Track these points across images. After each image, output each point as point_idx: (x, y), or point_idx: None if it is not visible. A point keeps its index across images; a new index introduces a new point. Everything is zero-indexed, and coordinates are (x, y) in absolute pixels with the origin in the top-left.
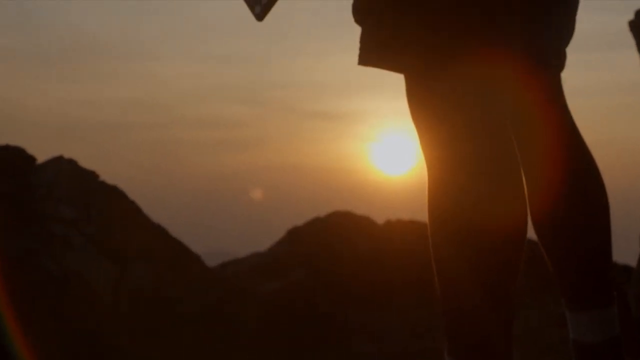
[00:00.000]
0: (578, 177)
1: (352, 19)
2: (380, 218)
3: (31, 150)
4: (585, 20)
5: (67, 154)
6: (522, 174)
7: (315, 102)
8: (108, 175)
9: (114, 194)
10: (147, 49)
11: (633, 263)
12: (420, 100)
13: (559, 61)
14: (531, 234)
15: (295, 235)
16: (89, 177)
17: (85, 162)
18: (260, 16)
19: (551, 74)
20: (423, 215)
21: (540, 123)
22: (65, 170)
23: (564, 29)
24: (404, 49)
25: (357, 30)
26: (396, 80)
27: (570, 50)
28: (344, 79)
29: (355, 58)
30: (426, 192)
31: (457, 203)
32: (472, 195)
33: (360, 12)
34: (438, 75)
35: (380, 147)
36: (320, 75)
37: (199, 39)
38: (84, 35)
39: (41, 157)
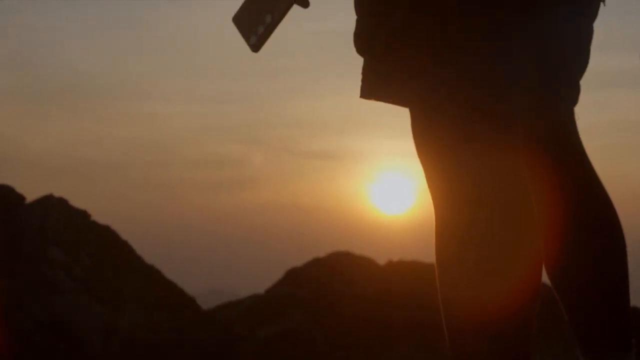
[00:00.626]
0: (593, 219)
1: (350, 58)
2: (381, 258)
3: (26, 188)
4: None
5: (62, 193)
6: (536, 215)
7: (313, 142)
8: (104, 214)
9: (106, 235)
10: (145, 88)
11: None
12: (427, 135)
13: (573, 95)
14: (543, 277)
15: (293, 277)
16: (80, 216)
17: (80, 201)
18: (256, 47)
19: (564, 109)
20: (425, 255)
21: (553, 162)
22: (55, 209)
23: (578, 62)
24: (410, 80)
25: (356, 67)
26: (395, 119)
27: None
28: (342, 118)
29: (354, 97)
30: (432, 231)
31: (465, 245)
32: (481, 237)
33: (363, 41)
34: (446, 108)
35: (378, 186)
36: (318, 115)
37: (197, 79)
38: (83, 75)
39: (36, 196)
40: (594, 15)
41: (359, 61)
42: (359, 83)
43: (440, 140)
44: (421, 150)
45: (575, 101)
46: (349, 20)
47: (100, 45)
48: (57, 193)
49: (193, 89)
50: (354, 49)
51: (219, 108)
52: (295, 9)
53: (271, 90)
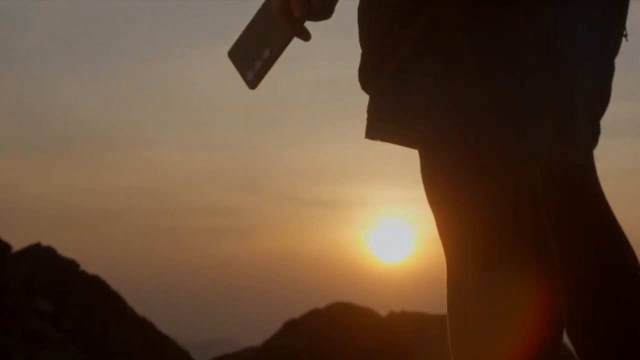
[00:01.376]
0: (615, 266)
1: (348, 107)
2: (382, 309)
3: (19, 236)
4: None
5: (56, 241)
6: (557, 265)
7: (312, 190)
8: (99, 263)
9: (95, 285)
10: (145, 136)
11: None
12: (436, 179)
13: (593, 136)
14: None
15: (292, 328)
16: (68, 266)
17: (74, 250)
18: (253, 83)
19: (583, 151)
20: (425, 305)
21: (571, 209)
22: (42, 259)
23: (600, 101)
24: (418, 120)
25: (354, 116)
26: (392, 167)
27: None
28: (340, 166)
29: (351, 146)
30: (431, 279)
31: (479, 300)
32: (496, 291)
33: (368, 77)
34: (457, 149)
35: (377, 235)
36: (317, 163)
37: (197, 127)
38: (82, 123)
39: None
40: (615, 50)
41: (357, 110)
42: (357, 132)
43: (451, 185)
44: (431, 195)
45: (595, 143)
46: (345, 68)
47: (100, 93)
48: (50, 241)
49: (193, 137)
50: (351, 98)
51: (219, 156)
52: (295, 49)
53: (270, 138)
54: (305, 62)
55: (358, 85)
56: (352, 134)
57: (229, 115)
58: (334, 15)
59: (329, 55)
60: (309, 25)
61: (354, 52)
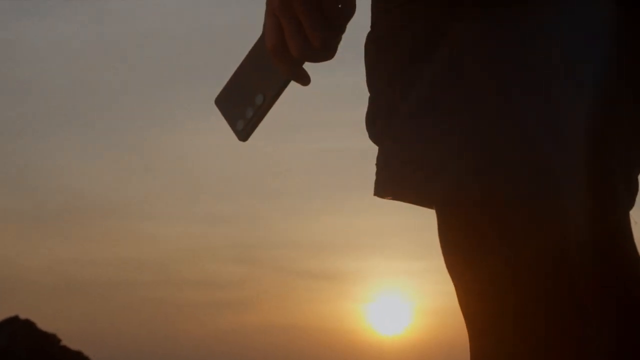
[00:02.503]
0: None
1: (347, 179)
2: None
3: (14, 309)
4: None
5: (48, 312)
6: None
7: (310, 262)
8: (92, 337)
9: None
10: (142, 208)
11: None
12: (457, 243)
13: (631, 194)
14: None
15: None
16: (49, 340)
17: (67, 322)
18: (243, 134)
19: (620, 213)
20: None
21: (604, 275)
22: (21, 332)
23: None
24: (435, 175)
25: (353, 188)
26: (390, 240)
27: None
28: (338, 238)
29: (349, 218)
30: (430, 351)
31: None
32: None
33: (377, 124)
34: (481, 209)
35: (375, 307)
36: (314, 235)
37: (193, 198)
38: (79, 195)
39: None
40: None
41: (354, 181)
42: (354, 204)
43: (474, 250)
44: (450, 261)
45: (632, 203)
46: (345, 139)
47: (98, 165)
48: (46, 313)
49: (190, 209)
50: (351, 169)
51: (216, 228)
52: (293, 120)
53: (268, 210)
54: (303, 132)
55: (356, 156)
56: (350, 207)
57: (227, 187)
58: (333, 95)
59: (328, 126)
60: (307, 67)
61: (352, 124)
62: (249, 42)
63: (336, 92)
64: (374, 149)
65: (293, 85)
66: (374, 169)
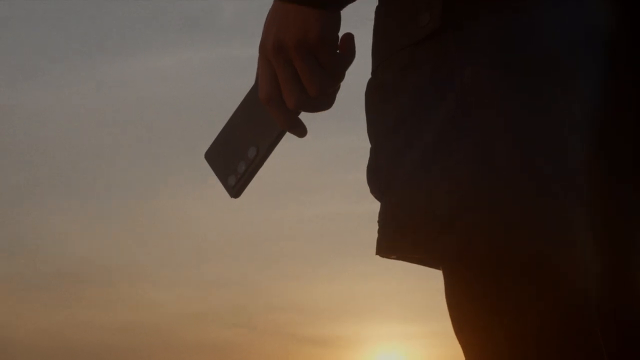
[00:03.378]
0: None
1: (347, 245)
2: None
3: None
4: None
5: None
6: None
7: (308, 327)
8: None
9: None
10: (140, 273)
11: None
12: (466, 307)
13: None
14: None
15: None
16: None
17: None
18: (235, 190)
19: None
20: None
21: (620, 339)
22: None
23: None
24: (442, 234)
25: (353, 254)
26: (389, 305)
27: None
28: (338, 304)
29: (349, 284)
30: None
31: None
32: None
33: (380, 177)
34: (493, 269)
35: None
36: (314, 300)
37: (192, 263)
38: (77, 260)
39: None
40: None
41: (352, 247)
42: (350, 270)
43: (486, 313)
44: (459, 324)
45: None
46: (344, 204)
47: (96, 230)
48: None
49: (191, 274)
50: (351, 234)
51: (214, 293)
52: (291, 186)
53: (268, 275)
54: (301, 196)
55: (354, 222)
56: (350, 273)
57: (226, 252)
58: (332, 157)
59: (329, 192)
60: (304, 118)
61: (350, 188)
62: None
63: (335, 154)
64: (372, 212)
65: (292, 148)
66: (373, 233)
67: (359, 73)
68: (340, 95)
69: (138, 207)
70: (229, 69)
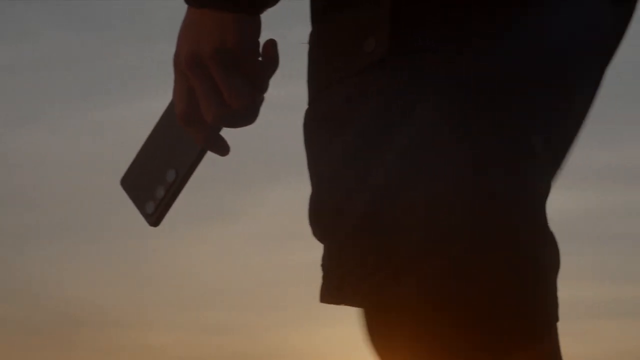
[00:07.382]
0: None
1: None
2: None
3: None
4: None
5: None
6: None
7: None
8: None
9: None
10: (138, 318)
11: None
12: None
13: None
14: None
15: None
16: None
17: None
18: (154, 218)
19: None
20: None
21: None
22: None
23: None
24: (400, 274)
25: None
26: None
27: None
28: (341, 347)
29: (348, 328)
30: None
31: None
32: None
33: (326, 216)
34: (460, 316)
35: None
36: (316, 345)
37: (191, 309)
38: (77, 303)
39: None
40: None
41: None
42: (345, 315)
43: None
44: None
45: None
46: None
47: (95, 274)
48: None
49: (189, 320)
50: None
51: (214, 338)
52: (287, 232)
53: (266, 321)
54: (298, 242)
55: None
56: (350, 316)
57: (225, 297)
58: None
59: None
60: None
61: None
62: (251, 146)
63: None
64: None
65: (297, 193)
66: None
67: None
68: None
69: (137, 252)
70: None
